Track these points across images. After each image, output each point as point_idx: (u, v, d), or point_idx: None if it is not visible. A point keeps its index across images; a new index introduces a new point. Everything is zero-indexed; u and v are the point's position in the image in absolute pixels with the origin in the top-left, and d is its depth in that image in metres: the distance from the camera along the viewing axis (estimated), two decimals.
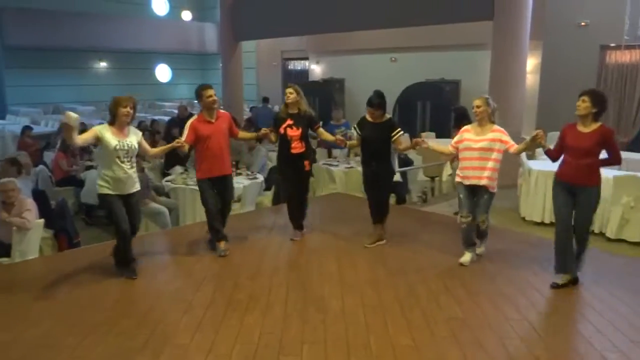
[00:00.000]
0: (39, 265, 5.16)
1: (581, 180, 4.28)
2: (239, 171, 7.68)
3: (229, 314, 3.98)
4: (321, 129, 5.56)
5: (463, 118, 6.27)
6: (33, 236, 5.20)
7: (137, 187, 4.58)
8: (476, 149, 4.78)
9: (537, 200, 7.24)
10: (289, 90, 5.44)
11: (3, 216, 5.09)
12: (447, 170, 8.06)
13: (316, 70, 18.47)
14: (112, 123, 4.48)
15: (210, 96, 5.00)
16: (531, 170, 7.33)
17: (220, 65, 15.75)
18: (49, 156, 9.68)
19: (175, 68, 22.80)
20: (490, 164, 4.75)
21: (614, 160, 4.32)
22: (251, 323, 3.84)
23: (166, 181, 7.66)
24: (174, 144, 4.89)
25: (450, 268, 4.95)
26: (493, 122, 4.81)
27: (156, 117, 14.86)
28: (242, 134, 5.66)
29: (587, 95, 4.21)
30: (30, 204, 5.27)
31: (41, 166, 8.44)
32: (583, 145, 4.21)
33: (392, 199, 7.63)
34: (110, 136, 4.39)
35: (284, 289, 4.46)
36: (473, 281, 4.67)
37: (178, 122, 9.83)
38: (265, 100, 14.61)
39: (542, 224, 7.17)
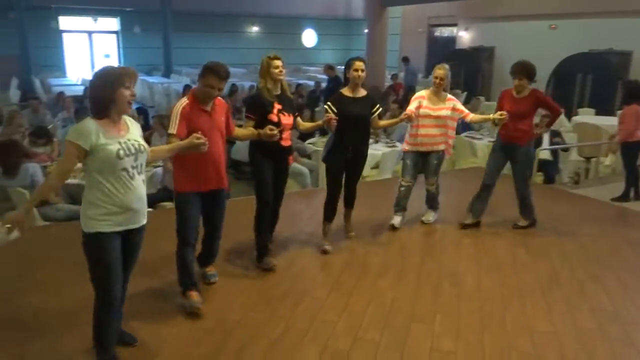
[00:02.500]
0: None
1: (519, 140, 4.81)
2: (377, 138, 7.72)
3: (363, 276, 4.11)
4: (299, 119, 4.38)
5: (637, 93, 5.63)
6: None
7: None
8: (434, 116, 4.85)
9: None
10: (279, 62, 3.98)
11: (168, 166, 5.71)
12: (610, 158, 7.30)
13: (464, 37, 17.64)
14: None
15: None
16: None
17: (366, 30, 15.75)
18: None
19: (321, 33, 23.30)
20: (450, 132, 4.99)
21: (555, 114, 5.05)
22: (384, 287, 3.94)
23: (309, 143, 7.98)
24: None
25: (600, 256, 4.57)
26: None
27: (301, 81, 15.39)
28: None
29: (520, 72, 4.73)
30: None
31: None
32: (521, 109, 4.71)
33: (540, 178, 7.18)
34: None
35: (417, 259, 4.48)
36: (627, 273, 4.27)
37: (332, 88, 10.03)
38: (406, 60, 14.36)
39: None
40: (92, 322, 2.75)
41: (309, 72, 20.60)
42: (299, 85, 13.19)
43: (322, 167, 7.30)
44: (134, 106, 4.67)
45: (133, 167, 2.62)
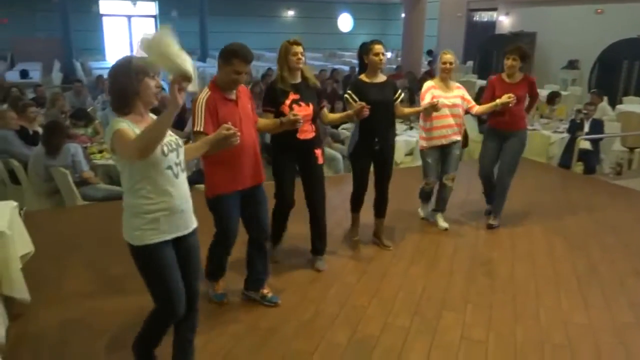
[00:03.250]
0: None
1: (515, 126, 4.71)
2: (412, 125, 7.63)
3: (395, 263, 4.10)
4: (326, 110, 3.92)
5: None
6: None
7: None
8: (449, 105, 4.56)
9: None
10: (298, 48, 3.58)
11: None
12: None
13: (504, 22, 17.16)
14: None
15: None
16: None
17: (402, 15, 15.49)
18: None
19: (357, 18, 23.06)
20: (460, 121, 4.70)
21: (535, 98, 4.95)
22: (415, 274, 3.92)
23: (342, 129, 7.95)
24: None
25: None
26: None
27: (336, 66, 15.31)
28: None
29: (515, 53, 4.62)
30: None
31: None
32: (516, 95, 4.48)
33: (580, 168, 6.97)
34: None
35: (450, 247, 4.43)
36: None
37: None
38: (430, 52, 14.09)
39: None
40: (142, 326, 2.52)
41: (344, 57, 20.46)
42: (334, 70, 13.12)
43: None
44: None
45: (177, 164, 2.35)
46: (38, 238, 3.69)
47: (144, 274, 2.37)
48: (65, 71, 15.45)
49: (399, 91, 4.18)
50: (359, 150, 4.12)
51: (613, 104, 10.44)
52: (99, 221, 4.66)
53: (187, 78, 2.08)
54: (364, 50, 4.08)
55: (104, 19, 20.44)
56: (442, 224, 4.86)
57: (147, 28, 21.21)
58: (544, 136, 7.59)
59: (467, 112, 4.72)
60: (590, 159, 7.09)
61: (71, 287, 3.60)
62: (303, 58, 3.58)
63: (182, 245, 2.43)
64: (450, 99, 4.58)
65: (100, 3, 19.93)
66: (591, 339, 3.16)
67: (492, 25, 17.95)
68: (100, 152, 5.75)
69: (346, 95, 4.07)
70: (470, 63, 17.45)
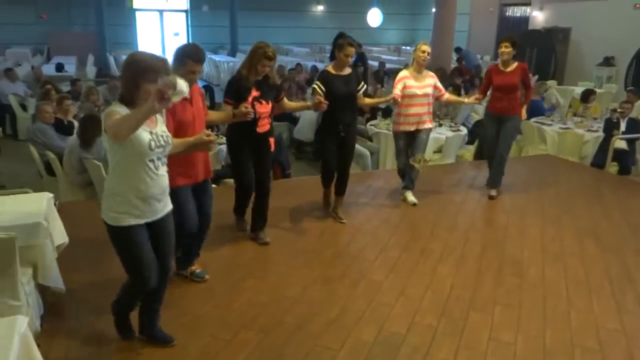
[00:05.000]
0: None
1: (510, 112, 5.19)
2: (441, 121, 7.55)
3: (423, 261, 4.07)
4: (285, 99, 4.22)
5: None
6: None
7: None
8: (420, 95, 4.90)
9: None
10: (271, 62, 3.81)
11: None
12: None
13: (538, 17, 16.77)
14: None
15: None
16: None
17: (433, 10, 15.29)
18: None
19: (387, 12, 22.83)
20: (431, 108, 5.09)
21: (530, 90, 5.50)
22: (444, 273, 3.88)
23: (370, 125, 7.92)
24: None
25: None
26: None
27: None
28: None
29: (507, 41, 5.10)
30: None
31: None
32: (511, 82, 5.09)
33: (615, 169, 6.79)
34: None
35: (479, 246, 4.38)
36: None
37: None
38: (458, 50, 13.88)
39: None
40: (118, 293, 2.83)
41: (372, 52, 20.32)
42: None
43: (384, 149, 7.26)
44: (200, 84, 4.69)
45: (158, 159, 2.56)
46: (72, 229, 3.79)
47: (118, 251, 2.64)
48: (99, 65, 15.76)
49: (362, 83, 4.57)
50: (324, 136, 4.53)
51: None
52: None
53: (173, 86, 2.17)
54: (338, 45, 4.37)
55: (137, 13, 20.75)
56: (411, 198, 5.22)
57: (178, 22, 21.49)
58: (577, 135, 7.42)
59: (436, 98, 5.12)
60: (625, 160, 6.89)
61: (105, 277, 3.68)
62: (272, 66, 3.89)
63: (156, 227, 2.66)
64: (422, 88, 4.94)
65: None
66: (624, 345, 3.09)
67: (525, 20, 17.57)
68: None
69: (314, 86, 4.42)
70: None
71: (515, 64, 5.17)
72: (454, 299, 3.52)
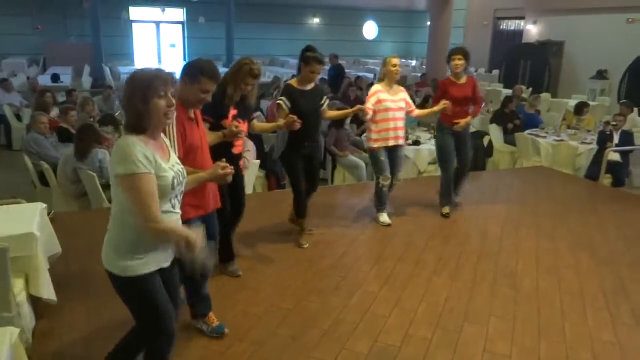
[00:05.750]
0: (254, 201, 5.84)
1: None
2: (436, 134, 7.56)
3: (417, 273, 4.07)
4: (255, 120, 4.01)
5: None
6: (250, 175, 5.89)
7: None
8: (395, 109, 4.79)
9: None
10: (255, 81, 3.61)
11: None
12: None
13: (532, 31, 16.96)
14: None
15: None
16: None
17: (428, 23, 15.45)
18: (265, 104, 10.73)
19: (382, 25, 23.06)
20: (404, 124, 4.96)
21: (479, 105, 5.46)
22: (439, 285, 3.88)
23: (365, 136, 7.94)
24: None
25: None
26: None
27: (360, 74, 15.32)
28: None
29: (460, 53, 5.03)
30: (251, 145, 5.95)
31: (259, 112, 9.41)
32: (466, 94, 5.06)
33: (609, 181, 6.83)
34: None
35: (474, 257, 4.38)
36: None
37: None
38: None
39: None
40: (119, 345, 2.48)
41: (368, 64, 20.47)
42: (358, 78, 13.13)
43: None
44: None
45: (176, 197, 2.21)
46: (65, 239, 3.77)
47: (130, 303, 2.25)
48: (94, 76, 15.79)
49: (325, 97, 4.39)
50: (290, 155, 4.25)
51: None
52: None
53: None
54: (305, 59, 4.13)
55: (134, 25, 20.85)
56: (386, 218, 5.03)
57: (174, 34, 21.59)
58: (571, 147, 7.46)
59: (407, 114, 5.03)
60: (619, 172, 6.94)
61: (97, 288, 3.66)
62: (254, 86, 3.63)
63: (167, 270, 2.28)
64: (396, 102, 4.83)
65: (131, 10, 20.35)
66: (619, 358, 3.08)
67: (519, 34, 17.76)
68: None
69: (279, 102, 4.15)
70: (496, 72, 17.29)
71: (466, 77, 5.16)
72: (448, 311, 3.52)
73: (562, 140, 7.68)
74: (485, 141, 8.06)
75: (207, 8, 20.37)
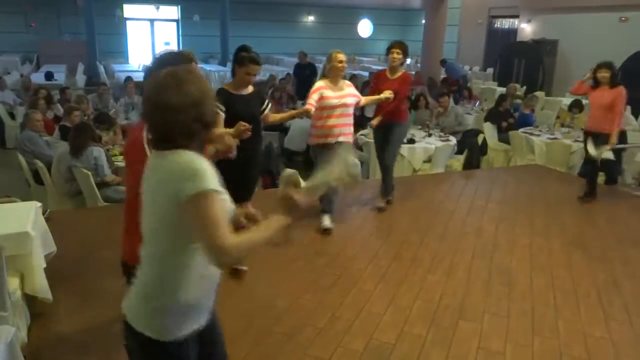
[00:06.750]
0: None
1: (395, 119, 5.09)
2: (430, 132, 7.60)
3: (412, 270, 4.09)
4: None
5: None
6: None
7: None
8: (339, 105, 4.60)
9: None
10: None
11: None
12: None
13: (526, 29, 17.02)
14: None
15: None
16: None
17: (423, 21, 15.47)
18: None
19: (377, 23, 23.07)
20: (350, 120, 4.74)
21: (401, 99, 5.11)
22: (433, 282, 3.90)
23: (360, 135, 7.95)
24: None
25: None
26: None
27: (355, 72, 15.33)
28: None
29: (399, 47, 5.02)
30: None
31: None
32: (394, 89, 4.86)
33: (601, 178, 6.87)
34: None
35: (469, 254, 4.40)
36: None
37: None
38: (443, 62, 14.05)
39: None
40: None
41: (362, 62, 20.47)
42: (353, 75, 13.14)
43: (374, 159, 7.29)
44: None
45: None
46: (60, 238, 3.77)
47: None
48: (89, 73, 15.72)
49: (267, 102, 3.95)
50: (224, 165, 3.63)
51: (636, 113, 10.27)
52: (120, 222, 4.72)
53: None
54: (239, 60, 3.65)
55: (128, 22, 20.76)
56: (327, 223, 4.73)
57: (169, 32, 21.51)
58: (565, 145, 7.50)
59: (356, 105, 4.91)
60: (612, 169, 6.97)
61: (92, 287, 3.66)
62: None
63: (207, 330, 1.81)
64: (340, 98, 4.60)
65: (125, 7, 20.26)
66: (611, 353, 3.11)
67: (513, 32, 17.81)
68: (122, 154, 5.84)
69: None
70: (490, 70, 17.34)
71: (402, 72, 5.11)
72: (443, 308, 3.54)
73: (555, 139, 7.71)
74: (480, 139, 8.09)
75: (202, 5, 20.30)
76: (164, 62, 2.13)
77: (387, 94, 4.74)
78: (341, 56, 4.57)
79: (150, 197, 1.63)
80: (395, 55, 5.00)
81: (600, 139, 5.56)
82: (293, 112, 4.70)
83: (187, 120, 1.56)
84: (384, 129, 5.17)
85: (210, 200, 1.52)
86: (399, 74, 5.10)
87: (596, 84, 5.69)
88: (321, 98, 4.51)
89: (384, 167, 5.35)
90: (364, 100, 4.91)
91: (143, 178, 1.66)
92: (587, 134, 5.80)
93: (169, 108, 1.54)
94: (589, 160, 5.89)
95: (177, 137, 1.57)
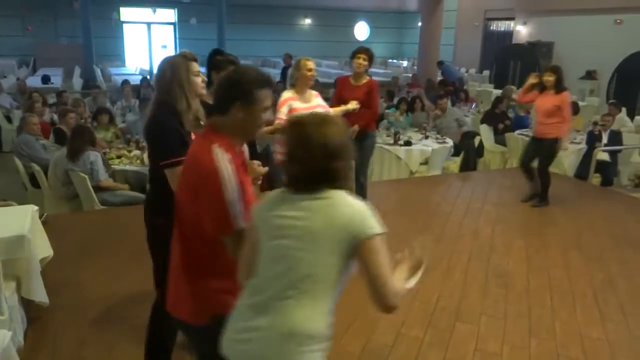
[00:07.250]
0: None
1: (364, 127, 4.69)
2: (427, 134, 7.62)
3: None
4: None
5: None
6: None
7: None
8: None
9: None
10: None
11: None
12: None
13: (522, 32, 17.07)
14: None
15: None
16: None
17: (419, 24, 15.52)
18: None
19: (374, 26, 23.10)
20: None
21: (374, 112, 4.86)
22: (430, 284, 3.90)
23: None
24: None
25: None
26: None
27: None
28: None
29: (365, 53, 4.79)
30: (243, 147, 5.95)
31: None
32: (356, 97, 4.64)
33: (598, 180, 6.90)
34: None
35: (465, 256, 4.41)
36: None
37: None
38: (440, 64, 14.08)
39: None
40: None
41: None
42: None
43: (379, 161, 7.29)
44: None
45: None
46: (57, 242, 3.76)
47: None
48: (85, 77, 15.70)
49: None
50: None
51: (632, 115, 10.32)
52: (117, 226, 4.72)
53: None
54: (215, 65, 3.24)
55: (125, 26, 20.74)
56: None
57: (166, 35, 21.51)
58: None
59: None
60: (607, 171, 7.02)
61: (89, 291, 3.65)
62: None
63: None
64: (310, 109, 4.29)
65: (122, 10, 20.25)
66: (608, 354, 3.12)
67: (509, 34, 17.87)
68: (119, 157, 5.83)
69: None
70: (486, 72, 17.39)
71: (366, 79, 4.85)
72: (440, 310, 3.54)
73: None
74: (476, 141, 8.11)
75: (199, 9, 20.30)
76: None
77: (354, 104, 4.53)
78: (310, 64, 4.30)
79: (309, 240, 1.57)
80: (360, 61, 4.77)
81: (543, 143, 5.50)
82: (270, 128, 3.93)
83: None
84: (355, 139, 4.58)
85: (382, 242, 1.57)
86: (363, 81, 4.85)
87: (542, 88, 5.51)
88: (290, 110, 4.22)
89: (360, 185, 4.86)
90: (332, 111, 4.49)
91: (279, 221, 1.61)
92: (533, 139, 5.75)
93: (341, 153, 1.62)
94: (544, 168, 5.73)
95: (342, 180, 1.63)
